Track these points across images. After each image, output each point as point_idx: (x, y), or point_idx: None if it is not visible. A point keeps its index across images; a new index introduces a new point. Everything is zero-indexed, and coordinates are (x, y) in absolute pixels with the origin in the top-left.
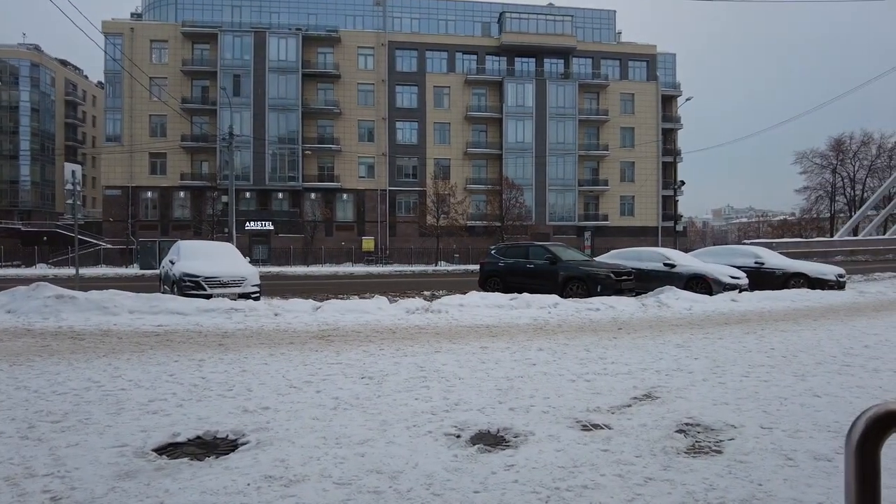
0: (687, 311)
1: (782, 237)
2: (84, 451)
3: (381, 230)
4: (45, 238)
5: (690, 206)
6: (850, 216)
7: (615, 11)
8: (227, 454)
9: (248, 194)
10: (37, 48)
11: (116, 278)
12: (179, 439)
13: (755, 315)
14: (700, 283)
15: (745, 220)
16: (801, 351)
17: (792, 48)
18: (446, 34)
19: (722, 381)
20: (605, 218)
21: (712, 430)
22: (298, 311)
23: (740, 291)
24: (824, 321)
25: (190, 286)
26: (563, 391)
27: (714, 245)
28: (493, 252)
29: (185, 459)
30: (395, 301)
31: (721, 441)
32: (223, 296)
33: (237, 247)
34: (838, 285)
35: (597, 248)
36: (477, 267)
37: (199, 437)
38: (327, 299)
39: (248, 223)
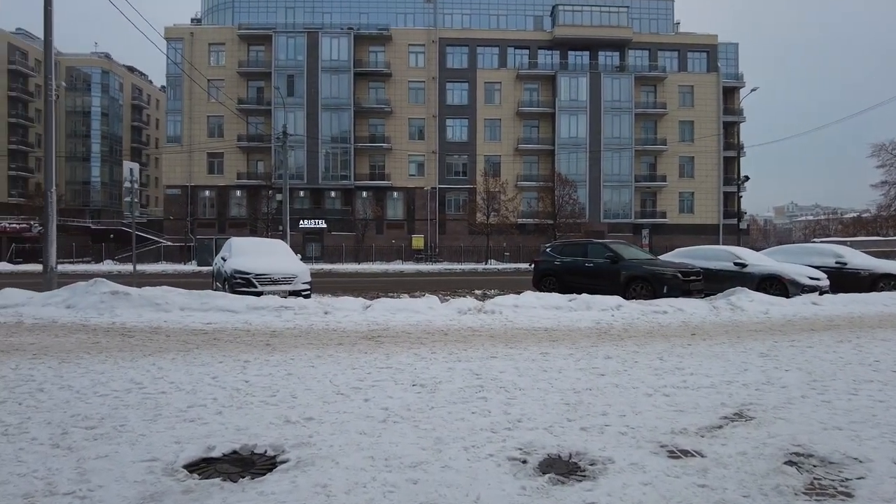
0: (764, 315)
1: (855, 236)
2: (112, 464)
3: (430, 228)
4: (111, 235)
5: (750, 203)
6: None
7: (673, 1)
8: (264, 475)
9: (301, 193)
10: (107, 56)
11: (174, 274)
12: (214, 454)
13: (844, 321)
14: (774, 285)
15: (810, 217)
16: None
17: (868, 32)
18: (497, 29)
19: (825, 398)
20: (664, 215)
21: (831, 463)
22: (348, 310)
23: (821, 294)
24: None
25: (241, 283)
26: (639, 407)
27: (781, 244)
28: (548, 250)
29: (217, 480)
30: (447, 301)
31: (847, 480)
32: (274, 293)
33: (291, 244)
34: None
35: (655, 246)
36: (528, 265)
37: (235, 452)
38: (377, 298)
39: (301, 221)
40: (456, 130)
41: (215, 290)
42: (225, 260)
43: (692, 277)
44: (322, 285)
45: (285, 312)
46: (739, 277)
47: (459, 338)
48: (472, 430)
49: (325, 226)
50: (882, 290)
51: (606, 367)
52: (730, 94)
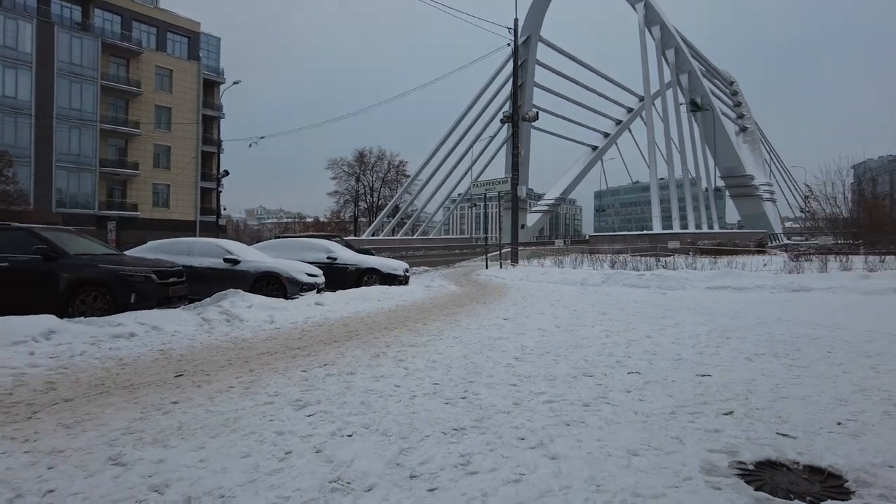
0: (271, 326)
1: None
2: None
3: None
4: None
5: (226, 203)
6: (370, 220)
7: None
8: None
9: None
10: None
11: None
12: None
13: (358, 323)
14: (272, 284)
15: (276, 220)
16: (471, 381)
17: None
18: None
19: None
20: (135, 208)
21: None
22: None
23: (319, 291)
24: (434, 323)
25: None
26: None
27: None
28: None
29: None
30: None
31: None
32: None
33: None
34: (405, 280)
35: (125, 243)
36: None
37: None
38: None
39: None
40: None
41: None
42: None
43: (173, 279)
44: None
45: None
46: (232, 276)
47: None
48: None
49: None
50: (367, 283)
51: None
52: (210, 88)
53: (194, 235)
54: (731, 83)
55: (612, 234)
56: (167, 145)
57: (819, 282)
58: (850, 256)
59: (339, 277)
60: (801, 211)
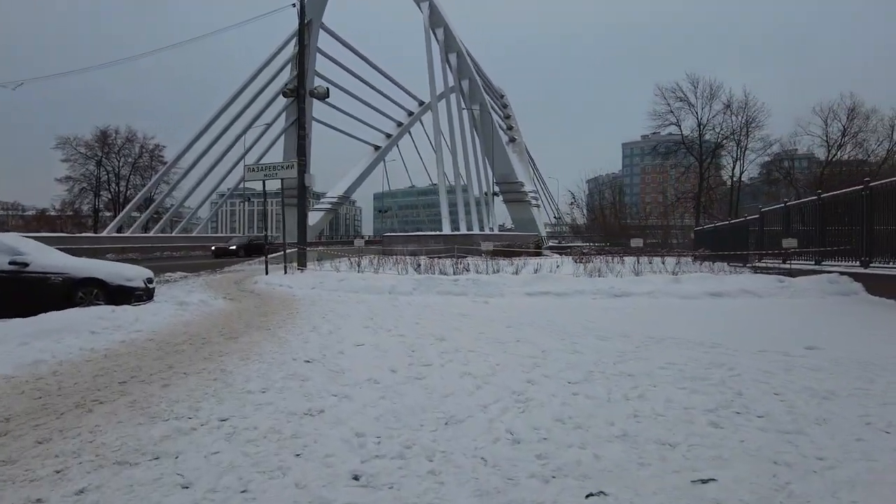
0: None
1: (39, 232)
2: None
3: None
4: None
5: None
6: (115, 212)
7: None
8: None
9: None
10: None
11: None
12: None
13: (24, 394)
14: None
15: None
16: None
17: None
18: None
19: None
20: None
21: None
22: None
23: None
24: (182, 381)
25: None
26: None
27: None
28: None
29: None
30: None
31: None
32: None
33: None
34: (148, 294)
35: None
36: None
37: None
38: None
39: None
40: None
41: None
42: None
43: None
44: None
45: None
46: None
47: None
48: None
49: None
50: (83, 302)
51: None
52: None
53: None
54: (502, 96)
55: (407, 234)
56: None
57: (634, 286)
58: (623, 258)
59: (33, 294)
60: (555, 217)
